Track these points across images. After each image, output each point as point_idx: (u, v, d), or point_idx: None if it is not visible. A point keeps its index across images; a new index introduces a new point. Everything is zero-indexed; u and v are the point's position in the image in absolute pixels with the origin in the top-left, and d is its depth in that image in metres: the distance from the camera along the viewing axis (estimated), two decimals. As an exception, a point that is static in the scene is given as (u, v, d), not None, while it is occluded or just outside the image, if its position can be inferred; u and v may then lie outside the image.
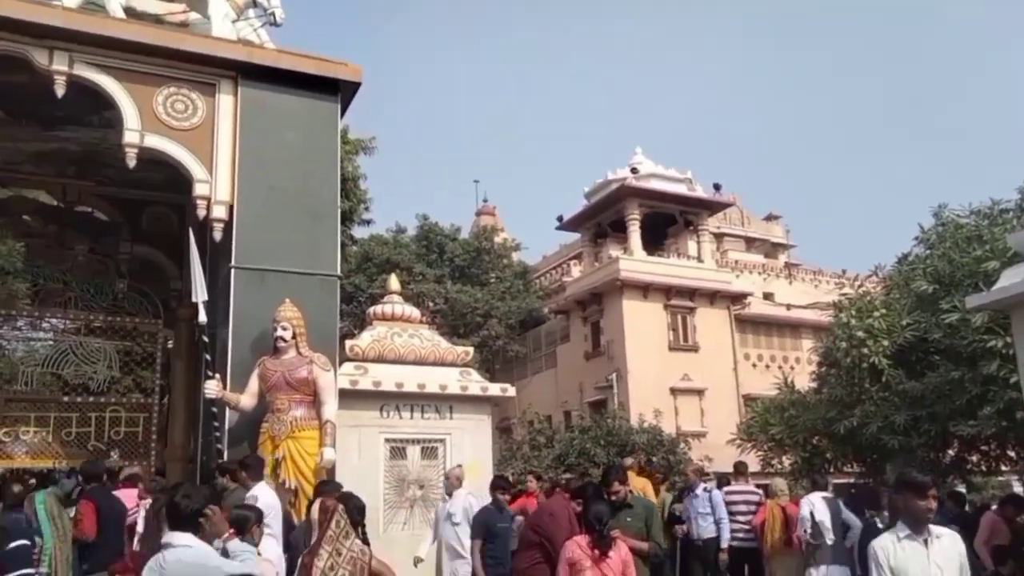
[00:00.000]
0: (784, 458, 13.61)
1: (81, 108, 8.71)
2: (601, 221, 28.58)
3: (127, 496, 8.15)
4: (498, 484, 7.88)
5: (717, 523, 9.60)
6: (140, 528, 7.24)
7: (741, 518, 9.70)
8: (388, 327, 10.80)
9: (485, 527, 7.35)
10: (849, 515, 8.71)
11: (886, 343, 10.88)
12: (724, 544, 9.56)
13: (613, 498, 6.17)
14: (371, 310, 11.44)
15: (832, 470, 12.90)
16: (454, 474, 8.40)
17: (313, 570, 4.71)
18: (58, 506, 7.37)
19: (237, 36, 8.78)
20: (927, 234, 11.73)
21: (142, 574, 3.77)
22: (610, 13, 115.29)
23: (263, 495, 6.34)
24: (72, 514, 7.42)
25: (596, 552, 5.18)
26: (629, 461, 11.08)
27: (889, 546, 3.94)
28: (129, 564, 5.78)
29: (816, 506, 8.18)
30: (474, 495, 8.10)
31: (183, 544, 3.70)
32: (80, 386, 10.95)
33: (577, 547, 5.23)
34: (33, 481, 12.86)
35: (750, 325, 27.83)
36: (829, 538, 8.05)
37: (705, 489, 9.89)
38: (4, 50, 7.65)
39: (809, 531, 8.16)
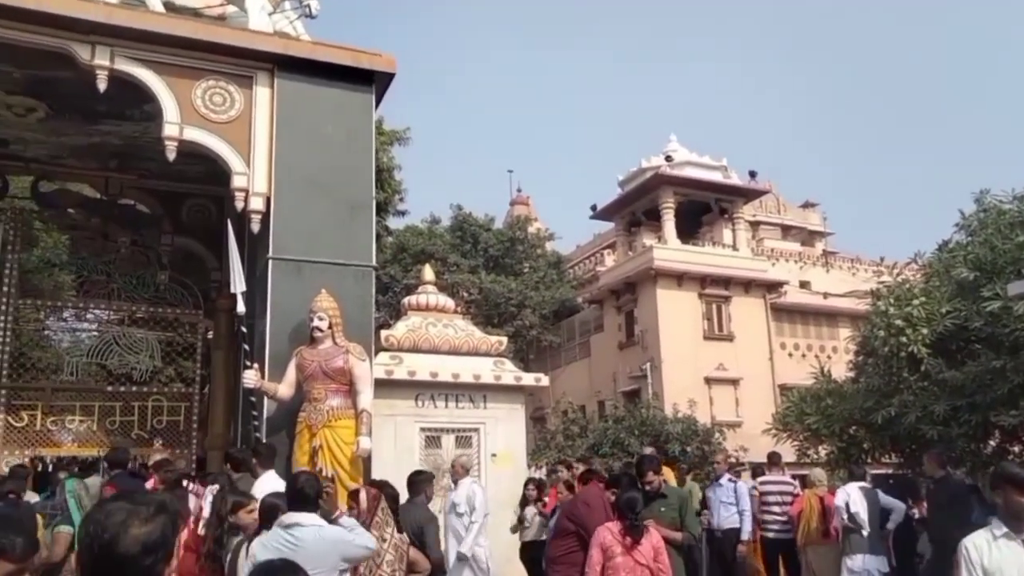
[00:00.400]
0: (820, 448, 13.46)
1: (122, 102, 8.86)
2: (635, 210, 28.44)
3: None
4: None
5: (740, 514, 9.52)
6: (206, 513, 7.16)
7: (776, 509, 9.64)
8: (423, 317, 10.90)
9: None
10: (889, 499, 8.63)
11: (925, 331, 10.70)
12: (744, 536, 9.46)
13: (647, 488, 6.21)
14: (406, 300, 11.55)
15: (869, 460, 12.72)
16: (459, 463, 8.41)
17: None
18: (88, 493, 7.55)
19: (273, 29, 8.87)
20: (968, 220, 11.50)
21: (253, 551, 4.19)
22: (647, 3, 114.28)
23: (271, 483, 6.33)
24: None
25: (628, 540, 5.21)
26: (649, 451, 11.02)
27: (983, 545, 3.60)
28: (191, 545, 5.91)
29: (852, 496, 8.12)
30: (479, 484, 8.12)
31: (313, 523, 4.12)
32: (124, 376, 11.19)
33: (609, 533, 5.27)
34: (77, 470, 13.24)
35: (786, 314, 27.55)
36: (864, 530, 7.99)
37: (731, 479, 9.81)
38: (48, 46, 7.81)
39: (845, 521, 8.10)
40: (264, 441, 7.80)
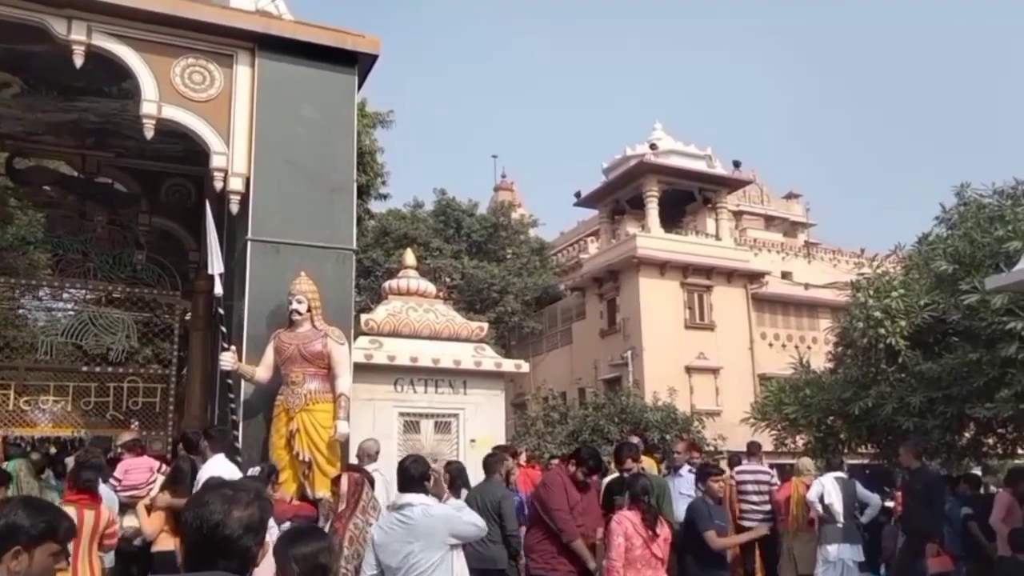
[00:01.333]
0: (798, 438, 13.57)
1: (100, 78, 8.72)
2: (619, 197, 28.45)
3: (138, 465, 7.74)
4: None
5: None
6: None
7: (754, 498, 9.63)
8: (403, 302, 10.82)
9: None
10: (866, 492, 8.67)
11: (903, 324, 10.80)
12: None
13: (625, 474, 6.21)
14: (386, 284, 11.46)
15: (846, 451, 12.86)
16: (363, 448, 7.93)
17: (345, 533, 4.96)
18: (28, 473, 7.49)
19: (256, 7, 8.73)
20: (948, 213, 11.58)
21: (372, 534, 4.62)
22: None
23: (218, 467, 6.38)
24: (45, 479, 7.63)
25: (649, 532, 5.14)
26: (635, 440, 10.95)
27: None
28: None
29: (827, 487, 8.16)
30: (381, 474, 7.35)
31: (422, 503, 4.49)
32: (100, 356, 11.06)
33: (630, 523, 5.17)
34: (53, 450, 13.11)
35: (767, 304, 27.70)
36: (839, 521, 8.02)
37: (691, 469, 9.05)
38: (22, 19, 7.64)
39: (820, 512, 8.13)
40: (217, 425, 7.79)
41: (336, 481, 5.99)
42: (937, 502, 7.98)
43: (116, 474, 7.43)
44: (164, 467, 7.60)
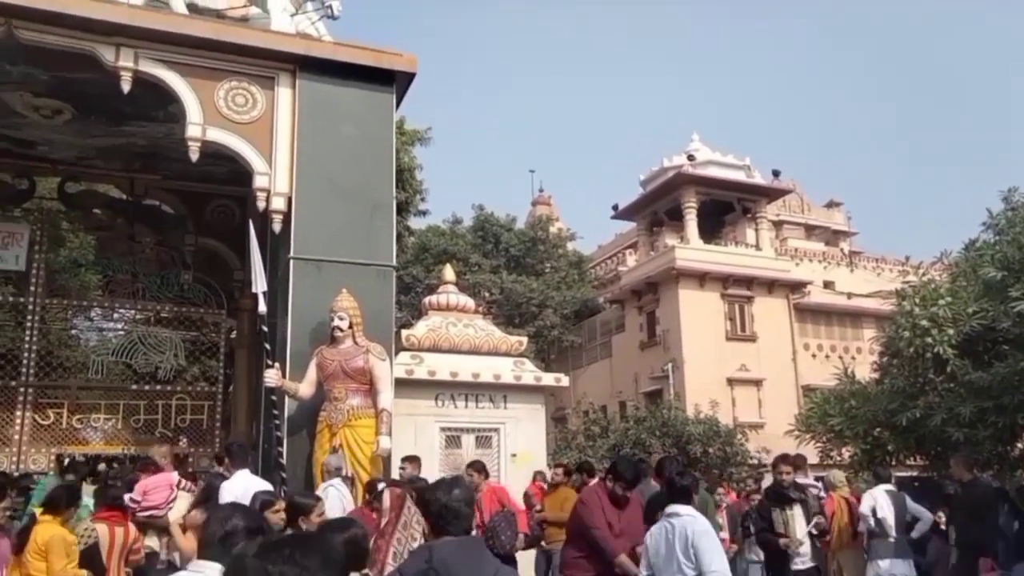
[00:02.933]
0: (844, 450, 13.32)
1: (147, 103, 8.97)
2: (657, 209, 28.31)
3: (156, 484, 7.24)
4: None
5: None
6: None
7: (800, 511, 9.51)
8: (443, 317, 10.91)
9: None
10: (917, 507, 8.48)
11: (951, 332, 10.56)
12: None
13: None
14: (426, 300, 11.56)
15: (894, 463, 12.58)
16: (324, 464, 7.50)
17: (389, 549, 5.00)
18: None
19: (295, 30, 8.93)
20: (996, 219, 11.33)
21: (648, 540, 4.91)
22: (669, 0, 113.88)
23: (241, 482, 6.28)
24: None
25: None
26: (656, 458, 10.83)
27: None
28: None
29: (879, 501, 7.98)
30: (337, 489, 7.00)
31: (688, 514, 4.74)
32: (148, 375, 11.30)
33: None
34: (105, 467, 13.39)
35: (810, 314, 27.30)
36: (891, 536, 7.84)
37: None
38: (73, 47, 7.92)
39: (871, 526, 7.96)
40: (238, 442, 7.87)
41: (378, 496, 6.02)
42: (990, 515, 7.77)
43: (134, 495, 7.11)
44: (186, 483, 7.31)
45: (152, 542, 6.80)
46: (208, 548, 2.69)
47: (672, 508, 4.82)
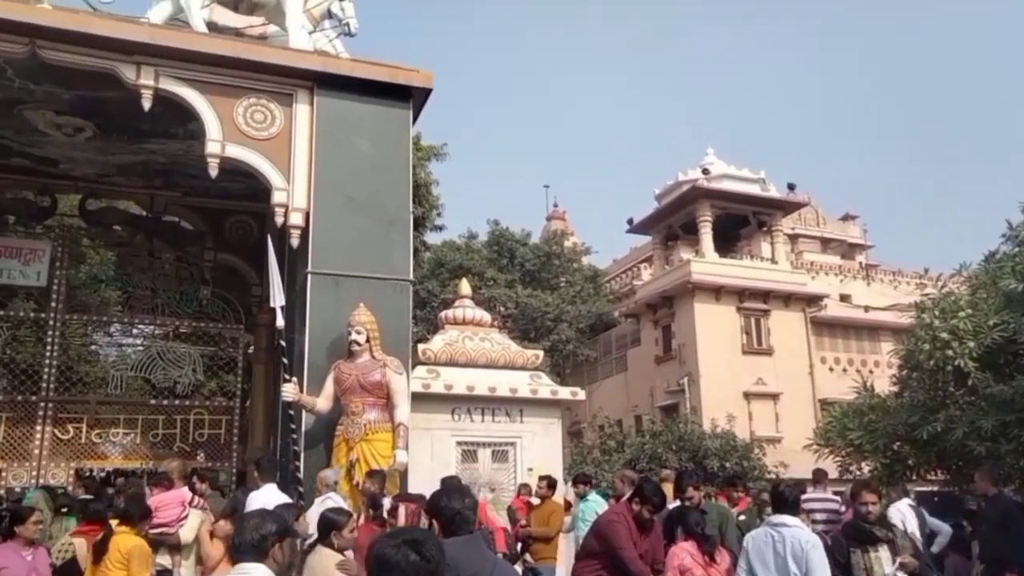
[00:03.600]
0: (863, 464, 13.20)
1: (167, 121, 9.09)
2: (672, 223, 28.28)
3: (168, 501, 7.00)
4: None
5: None
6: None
7: (821, 528, 9.42)
8: (459, 331, 10.92)
9: None
10: (935, 521, 8.40)
11: (972, 345, 10.48)
12: None
13: (687, 503, 6.12)
14: (442, 314, 11.58)
15: (914, 477, 12.47)
16: (320, 477, 7.40)
17: None
18: (44, 504, 7.57)
19: (313, 47, 9.03)
20: (1016, 230, 11.26)
21: (745, 542, 5.11)
22: (682, 14, 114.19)
23: (268, 496, 6.28)
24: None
25: (706, 558, 5.06)
26: (666, 473, 10.59)
27: None
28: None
29: (906, 516, 7.92)
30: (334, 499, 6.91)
31: (796, 525, 4.93)
32: (167, 390, 11.37)
33: (687, 554, 5.07)
34: (121, 480, 13.44)
35: (826, 328, 27.13)
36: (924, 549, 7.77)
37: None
38: (95, 66, 8.04)
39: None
40: (269, 456, 7.86)
41: (392, 511, 5.98)
42: (1016, 529, 7.69)
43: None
44: (199, 500, 7.12)
45: (164, 560, 6.69)
46: (243, 552, 2.95)
47: (779, 518, 5.01)
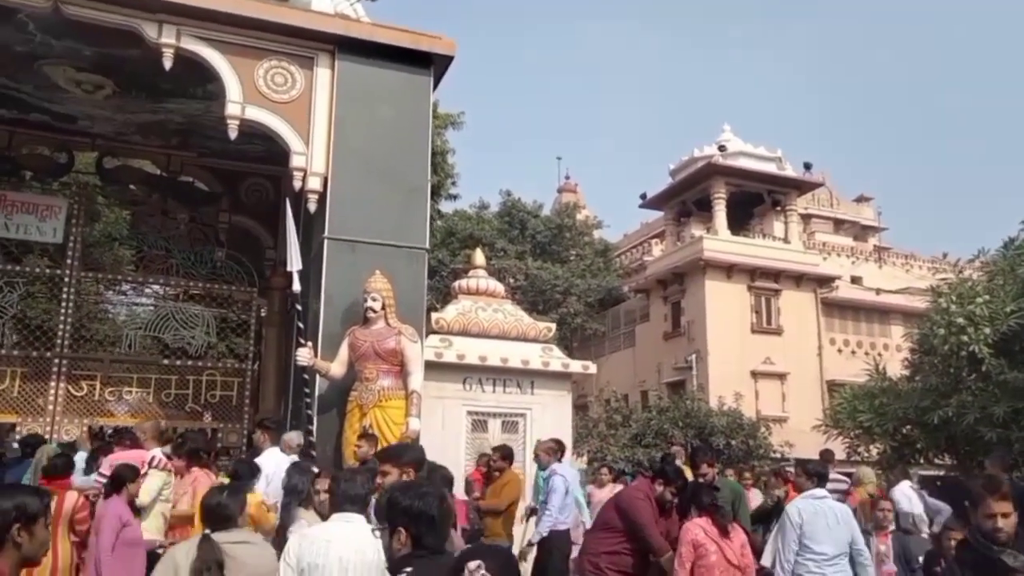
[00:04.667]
0: (872, 447, 13.23)
1: (186, 80, 9.01)
2: (686, 199, 28.12)
3: (124, 459, 6.50)
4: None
5: (543, 510, 7.77)
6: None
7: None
8: (473, 301, 10.91)
9: None
10: (934, 501, 8.44)
11: (988, 331, 10.45)
12: (535, 537, 7.72)
13: (701, 480, 6.13)
14: (456, 284, 11.57)
15: (922, 461, 12.50)
16: (285, 440, 7.51)
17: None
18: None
19: (335, 10, 8.92)
20: (1037, 218, 11.17)
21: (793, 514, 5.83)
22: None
23: (271, 459, 6.52)
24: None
25: (720, 533, 5.06)
26: (675, 449, 10.59)
27: None
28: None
29: (912, 498, 7.95)
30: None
31: (831, 496, 5.92)
32: (179, 350, 11.40)
33: (700, 529, 5.07)
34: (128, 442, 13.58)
35: (837, 309, 27.03)
36: (924, 532, 7.81)
37: (552, 471, 7.94)
38: (117, 23, 7.96)
39: (915, 524, 7.90)
40: (273, 418, 7.88)
41: (382, 475, 5.96)
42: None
43: (102, 469, 6.67)
44: (160, 459, 6.63)
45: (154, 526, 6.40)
46: (350, 502, 3.48)
47: (819, 492, 5.94)
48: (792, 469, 10.23)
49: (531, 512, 8.34)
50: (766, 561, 5.92)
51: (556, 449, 8.16)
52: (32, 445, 8.76)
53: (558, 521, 7.66)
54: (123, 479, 5.80)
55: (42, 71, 9.29)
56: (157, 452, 6.77)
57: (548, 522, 7.59)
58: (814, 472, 6.17)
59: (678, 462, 8.07)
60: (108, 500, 5.81)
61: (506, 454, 8.14)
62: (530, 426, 10.57)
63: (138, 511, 6.19)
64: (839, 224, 34.91)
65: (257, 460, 6.69)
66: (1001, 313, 10.44)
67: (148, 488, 6.35)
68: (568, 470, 8.26)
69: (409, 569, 2.55)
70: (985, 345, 10.35)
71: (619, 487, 9.37)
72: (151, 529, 6.26)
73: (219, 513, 3.90)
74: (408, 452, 5.47)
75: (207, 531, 3.92)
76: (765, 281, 25.76)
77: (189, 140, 11.15)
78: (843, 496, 9.35)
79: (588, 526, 7.99)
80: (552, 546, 7.56)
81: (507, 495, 7.77)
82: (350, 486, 3.49)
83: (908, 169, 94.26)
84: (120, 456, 6.77)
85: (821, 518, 5.64)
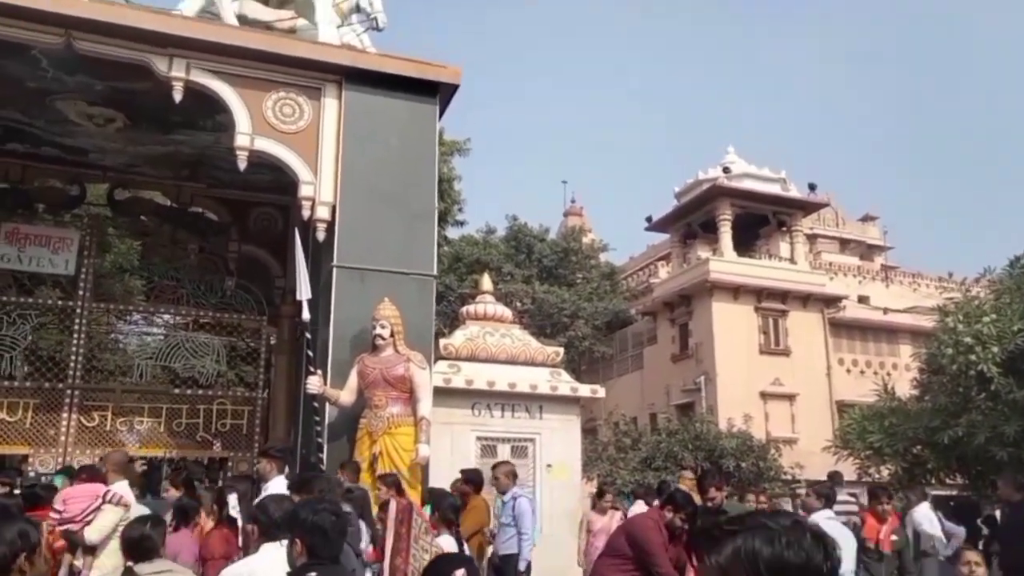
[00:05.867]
0: (883, 468, 13.16)
1: (195, 113, 9.15)
2: (691, 221, 28.21)
3: (79, 494, 6.31)
4: None
5: (519, 537, 7.87)
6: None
7: (841, 529, 9.41)
8: (480, 326, 10.96)
9: None
10: (950, 524, 8.40)
11: (996, 350, 10.43)
12: (522, 565, 7.91)
13: (709, 504, 6.12)
14: (464, 309, 11.63)
15: (933, 481, 12.43)
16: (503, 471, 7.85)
17: (408, 567, 4.94)
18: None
19: (341, 41, 9.06)
20: (1043, 236, 11.18)
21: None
22: (704, 13, 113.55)
23: (279, 488, 6.12)
24: None
25: None
26: (688, 474, 10.59)
27: None
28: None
29: (934, 521, 7.92)
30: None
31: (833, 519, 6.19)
32: (189, 379, 11.46)
33: None
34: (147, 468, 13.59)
35: (844, 329, 26.98)
36: (942, 554, 7.77)
37: (514, 496, 8.08)
38: (128, 58, 8.11)
39: (934, 546, 7.85)
40: (279, 446, 7.89)
41: (384, 507, 5.98)
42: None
43: (55, 504, 6.34)
44: (116, 495, 6.23)
45: (79, 560, 6.07)
46: (274, 531, 3.38)
47: (827, 512, 6.24)
48: (803, 491, 10.24)
49: (491, 536, 8.21)
50: None
51: (515, 474, 8.27)
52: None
53: (506, 545, 7.81)
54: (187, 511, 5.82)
55: (54, 106, 9.45)
56: (117, 486, 6.34)
57: (528, 545, 7.68)
58: (822, 493, 6.38)
59: (679, 485, 8.14)
60: (177, 534, 5.77)
61: (470, 478, 7.96)
62: (539, 451, 10.58)
63: (92, 550, 5.95)
64: (845, 244, 34.94)
65: (267, 490, 6.65)
66: (1009, 332, 10.43)
67: (100, 526, 5.96)
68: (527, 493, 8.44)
69: (313, 574, 2.79)
70: (993, 364, 10.33)
71: (618, 514, 9.36)
72: (105, 567, 5.86)
73: (142, 545, 3.92)
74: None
75: (129, 563, 3.93)
76: (772, 302, 25.75)
77: (198, 171, 11.28)
78: (850, 518, 9.33)
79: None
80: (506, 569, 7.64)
81: (471, 522, 7.50)
82: (279, 513, 3.41)
83: (914, 187, 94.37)
84: (75, 492, 6.39)
85: (841, 536, 5.73)
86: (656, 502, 7.09)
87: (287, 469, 7.42)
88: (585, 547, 9.08)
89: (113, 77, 8.64)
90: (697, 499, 6.19)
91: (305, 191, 8.54)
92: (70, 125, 9.94)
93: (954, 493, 14.00)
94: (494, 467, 8.50)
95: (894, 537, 7.50)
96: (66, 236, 11.05)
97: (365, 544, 5.88)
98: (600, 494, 10.06)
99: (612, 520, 8.86)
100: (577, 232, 31.69)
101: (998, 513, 9.36)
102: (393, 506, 5.78)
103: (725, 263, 25.63)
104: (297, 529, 2.96)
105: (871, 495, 8.00)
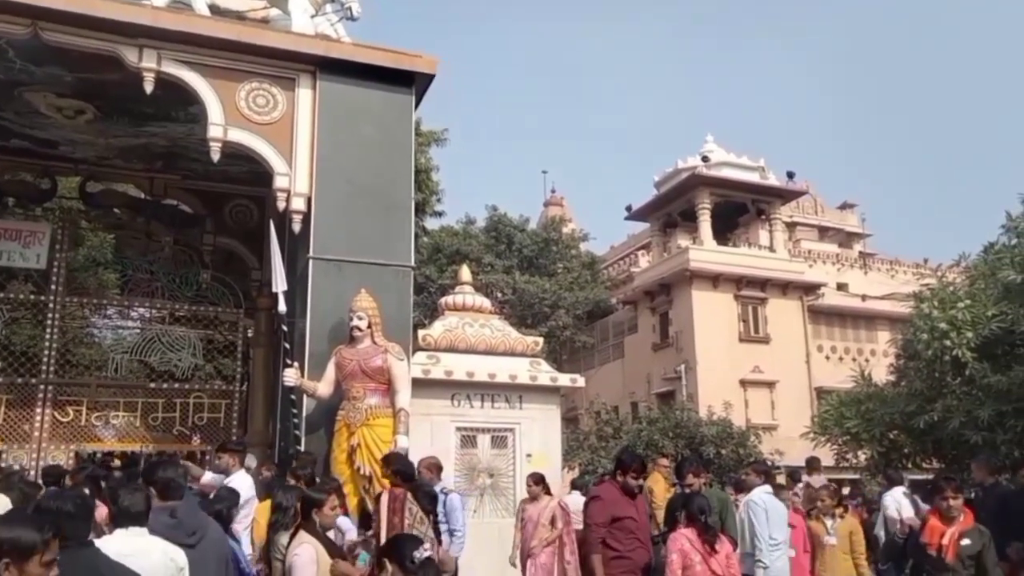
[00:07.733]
0: (860, 453, 13.30)
1: (168, 104, 9.03)
2: (671, 211, 28.29)
3: None
4: None
5: (450, 534, 7.27)
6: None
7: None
8: (459, 317, 10.91)
9: None
10: (926, 506, 8.46)
11: (970, 335, 10.54)
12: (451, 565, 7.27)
13: (687, 490, 6.18)
14: (443, 300, 11.58)
15: (909, 466, 12.57)
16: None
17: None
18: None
19: (315, 31, 8.97)
20: (1016, 221, 11.30)
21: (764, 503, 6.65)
22: (683, 3, 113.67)
23: (242, 481, 6.39)
24: None
25: (706, 547, 5.09)
26: (665, 462, 10.45)
27: None
28: None
29: (901, 504, 7.98)
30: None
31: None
32: (166, 373, 11.35)
33: (686, 540, 5.10)
34: (119, 464, 13.45)
35: (823, 316, 27.21)
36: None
37: (443, 491, 7.48)
38: (97, 49, 8.00)
39: (897, 532, 7.90)
40: (236, 440, 7.86)
41: (379, 498, 5.98)
42: (1015, 518, 7.72)
43: None
44: None
45: None
46: (126, 521, 3.52)
47: (768, 487, 6.85)
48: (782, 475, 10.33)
49: None
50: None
51: (440, 467, 7.65)
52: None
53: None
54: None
55: (23, 97, 9.30)
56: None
57: (459, 544, 7.17)
58: (761, 471, 7.14)
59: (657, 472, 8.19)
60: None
61: (398, 469, 6.59)
62: (519, 440, 10.57)
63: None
64: (824, 231, 35.18)
65: (230, 484, 6.59)
66: (983, 317, 10.53)
67: None
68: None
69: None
70: (968, 349, 10.44)
71: (554, 501, 8.32)
72: None
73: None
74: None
75: None
76: (752, 290, 25.90)
77: (172, 163, 11.16)
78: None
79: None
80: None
81: None
82: (133, 503, 3.51)
83: (891, 175, 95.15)
84: None
85: (777, 509, 6.47)
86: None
87: (255, 462, 7.43)
88: (519, 539, 8.18)
89: (82, 68, 8.51)
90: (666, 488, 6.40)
91: (280, 182, 8.47)
92: (40, 117, 9.79)
93: (930, 477, 14.15)
94: (420, 460, 7.64)
95: (965, 541, 5.50)
96: (37, 230, 10.89)
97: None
98: (574, 484, 9.97)
99: (545, 509, 8.09)
100: (557, 222, 31.69)
101: (972, 495, 9.46)
102: (385, 497, 5.78)
103: (705, 252, 25.73)
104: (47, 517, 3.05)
105: (934, 488, 5.93)
